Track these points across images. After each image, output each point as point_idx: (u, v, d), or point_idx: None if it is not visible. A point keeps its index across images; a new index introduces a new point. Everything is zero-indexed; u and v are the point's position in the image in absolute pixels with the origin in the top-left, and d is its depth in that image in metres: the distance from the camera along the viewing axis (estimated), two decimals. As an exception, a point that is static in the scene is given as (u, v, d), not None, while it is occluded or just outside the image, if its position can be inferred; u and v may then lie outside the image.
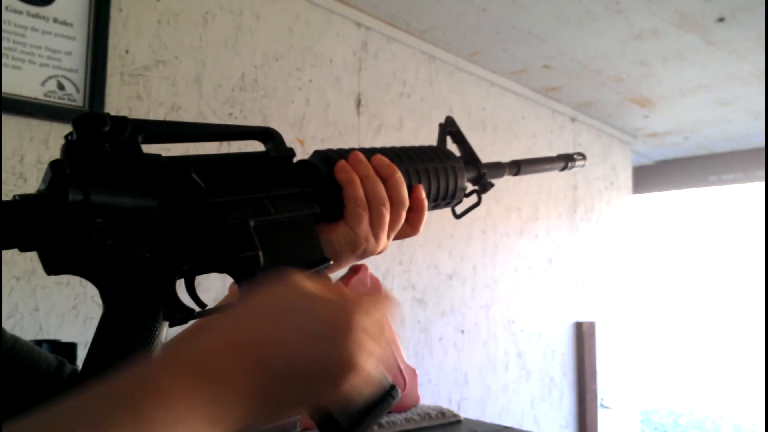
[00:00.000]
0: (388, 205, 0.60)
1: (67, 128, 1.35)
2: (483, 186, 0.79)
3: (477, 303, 2.38)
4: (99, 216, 0.42)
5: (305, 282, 0.40)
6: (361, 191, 0.58)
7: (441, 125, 0.80)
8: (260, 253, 0.49)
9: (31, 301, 1.32)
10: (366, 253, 0.60)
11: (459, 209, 0.77)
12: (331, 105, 1.91)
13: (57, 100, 1.34)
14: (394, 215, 0.61)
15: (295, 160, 0.58)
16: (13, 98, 1.28)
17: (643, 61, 2.36)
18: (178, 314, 0.45)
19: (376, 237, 0.59)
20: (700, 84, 2.59)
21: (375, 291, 1.11)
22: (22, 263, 1.32)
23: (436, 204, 0.71)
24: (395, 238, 0.64)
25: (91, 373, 0.41)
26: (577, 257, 2.93)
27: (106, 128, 0.44)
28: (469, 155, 0.78)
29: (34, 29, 1.32)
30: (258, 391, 0.36)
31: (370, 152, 0.63)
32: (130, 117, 0.46)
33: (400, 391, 0.52)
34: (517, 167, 0.84)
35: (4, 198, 1.26)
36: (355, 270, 1.10)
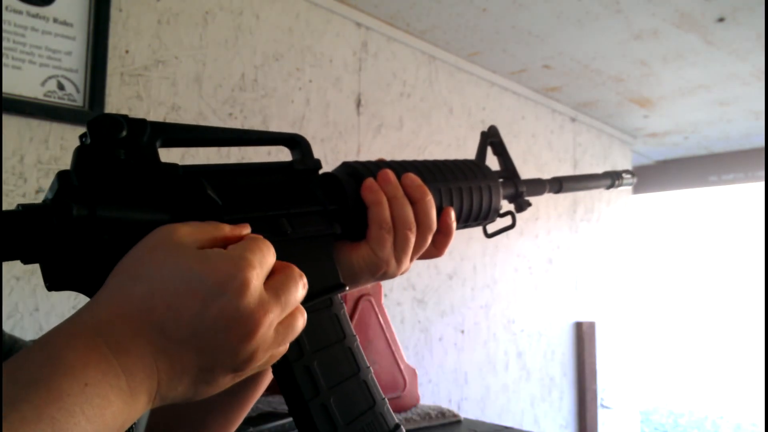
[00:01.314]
0: (414, 229, 0.56)
1: (68, 128, 1.35)
2: (519, 205, 0.74)
3: (477, 303, 2.38)
4: (106, 232, 0.40)
5: (182, 233, 0.39)
6: (387, 213, 0.55)
7: (483, 134, 0.74)
8: None
9: (31, 301, 1.32)
10: (386, 276, 0.57)
11: (491, 228, 0.72)
12: (331, 105, 1.91)
13: (57, 100, 1.34)
14: (419, 239, 0.58)
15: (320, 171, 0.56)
16: (13, 98, 1.28)
17: (643, 61, 2.36)
18: None
19: (399, 261, 0.57)
20: (700, 84, 2.59)
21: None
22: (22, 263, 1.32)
23: (466, 224, 0.66)
24: (418, 259, 0.61)
25: None
26: (577, 257, 2.93)
27: (123, 133, 0.42)
28: (508, 170, 0.74)
29: (34, 29, 1.32)
30: (164, 359, 0.35)
31: (401, 168, 0.59)
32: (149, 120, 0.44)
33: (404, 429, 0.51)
34: (558, 185, 0.79)
35: (5, 198, 1.26)
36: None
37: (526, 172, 2.65)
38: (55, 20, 1.35)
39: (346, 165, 0.59)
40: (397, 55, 2.12)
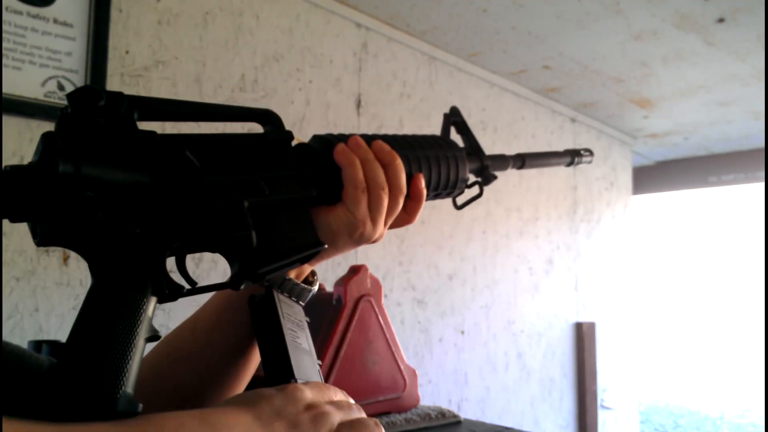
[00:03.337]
0: (386, 189, 0.59)
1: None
2: (486, 178, 0.78)
3: (477, 303, 2.38)
4: (90, 189, 0.41)
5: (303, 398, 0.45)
6: (360, 173, 0.58)
7: (445, 115, 0.78)
8: (253, 233, 0.49)
9: (31, 301, 1.33)
10: (363, 238, 0.59)
11: (460, 200, 0.76)
12: (331, 105, 1.91)
13: (57, 101, 1.34)
14: (392, 202, 0.60)
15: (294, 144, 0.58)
16: (13, 99, 1.28)
17: (643, 62, 2.36)
18: (167, 290, 0.45)
19: (374, 221, 0.59)
20: (700, 84, 2.60)
21: (375, 291, 1.12)
22: (22, 264, 1.32)
23: (436, 193, 0.69)
24: (391, 227, 0.64)
25: (76, 346, 0.41)
26: (577, 258, 2.93)
27: (102, 102, 0.43)
28: (472, 146, 0.77)
29: (34, 30, 1.32)
30: None
31: (370, 138, 0.63)
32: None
33: None
34: (521, 160, 0.83)
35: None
36: (355, 271, 1.10)
37: (526, 172, 2.65)
38: (56, 21, 1.35)
39: (316, 136, 0.62)
40: (397, 56, 2.13)
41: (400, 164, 0.61)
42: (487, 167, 0.77)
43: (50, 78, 1.34)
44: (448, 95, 2.29)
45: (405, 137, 0.67)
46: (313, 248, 0.53)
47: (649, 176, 3.96)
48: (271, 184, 0.52)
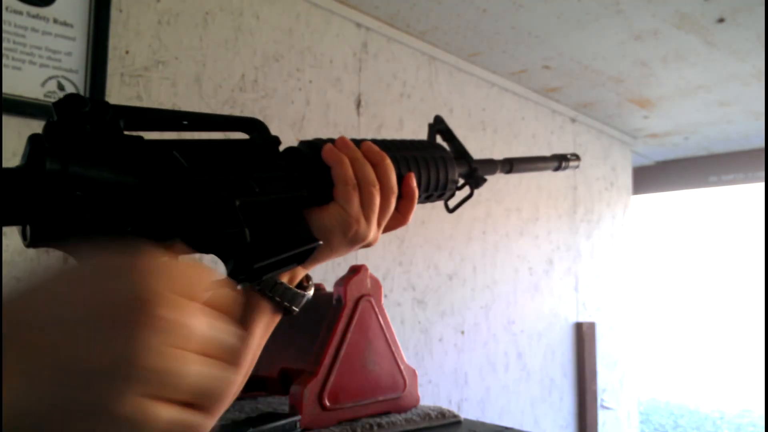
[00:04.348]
0: (378, 186, 0.59)
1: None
2: (476, 180, 0.78)
3: (477, 304, 2.38)
4: (78, 188, 0.41)
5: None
6: (350, 171, 0.58)
7: (430, 125, 0.80)
8: (246, 230, 0.48)
9: (31, 301, 1.32)
10: (357, 237, 0.59)
11: (451, 204, 0.76)
12: (331, 105, 1.91)
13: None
14: (384, 201, 0.60)
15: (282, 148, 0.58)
16: (13, 99, 1.28)
17: (643, 62, 2.36)
18: None
19: (367, 219, 0.58)
20: (700, 84, 2.60)
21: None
22: (23, 264, 1.32)
23: (428, 195, 0.70)
24: (386, 229, 0.64)
25: None
26: (577, 258, 2.93)
27: (86, 109, 0.43)
28: (459, 152, 0.78)
29: (34, 30, 1.32)
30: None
31: (358, 141, 0.63)
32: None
33: None
34: (509, 165, 0.84)
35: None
36: (355, 271, 1.10)
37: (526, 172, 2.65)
38: (56, 21, 1.35)
39: (303, 141, 0.62)
40: (397, 56, 2.13)
41: (389, 163, 0.61)
42: (475, 170, 0.78)
43: (50, 78, 1.34)
44: (448, 95, 2.29)
45: (393, 140, 0.68)
46: (307, 244, 0.53)
47: (649, 176, 3.96)
48: (261, 184, 0.52)
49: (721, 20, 1.99)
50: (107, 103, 0.45)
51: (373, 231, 0.60)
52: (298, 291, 0.58)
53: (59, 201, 0.41)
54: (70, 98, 0.43)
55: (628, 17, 1.99)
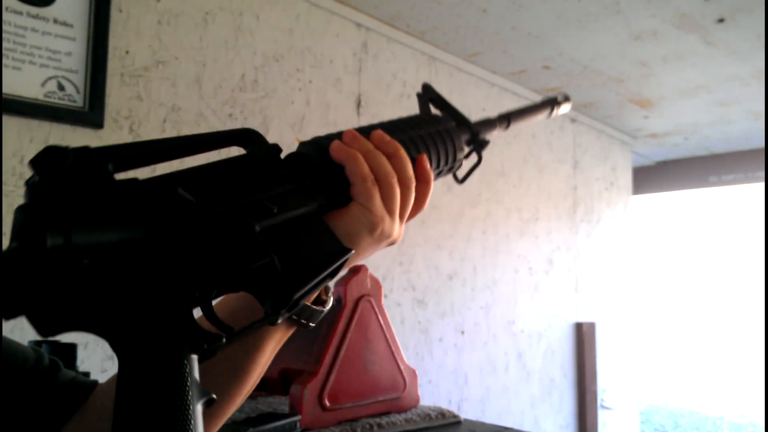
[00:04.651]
0: (396, 177, 0.55)
1: (68, 129, 1.35)
2: (480, 144, 0.75)
3: (477, 304, 2.38)
4: (84, 256, 0.36)
5: None
6: (365, 166, 0.53)
7: (419, 95, 0.76)
8: (274, 258, 0.44)
9: (31, 301, 1.32)
10: (384, 236, 0.55)
11: (460, 174, 0.73)
12: (331, 106, 1.91)
13: (57, 101, 1.34)
14: (404, 192, 0.56)
15: (284, 154, 0.54)
16: (13, 99, 1.28)
17: (643, 62, 2.36)
18: (206, 345, 0.40)
19: (391, 213, 0.55)
20: (700, 85, 2.60)
21: (375, 291, 1.11)
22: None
23: (439, 171, 0.66)
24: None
25: None
26: (577, 258, 2.93)
27: (68, 162, 0.38)
28: (457, 118, 0.75)
29: (34, 30, 1.32)
30: None
31: (365, 130, 0.58)
32: (91, 147, 0.40)
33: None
34: (507, 120, 0.83)
35: (5, 199, 1.27)
36: (355, 271, 1.10)
37: (526, 172, 2.65)
38: (56, 21, 1.35)
39: (303, 143, 0.57)
40: (397, 56, 2.13)
41: (403, 152, 0.57)
42: (477, 133, 0.75)
43: (50, 78, 1.34)
44: (448, 95, 2.28)
45: (393, 122, 0.64)
46: (340, 257, 0.48)
47: (649, 176, 3.96)
48: (275, 202, 0.48)
49: (721, 20, 1.99)
50: (89, 148, 0.40)
51: (397, 226, 0.57)
52: (316, 308, 0.53)
53: (67, 278, 0.36)
54: (49, 153, 0.38)
55: (628, 17, 1.99)
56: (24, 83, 1.30)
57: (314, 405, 0.98)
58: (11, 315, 0.36)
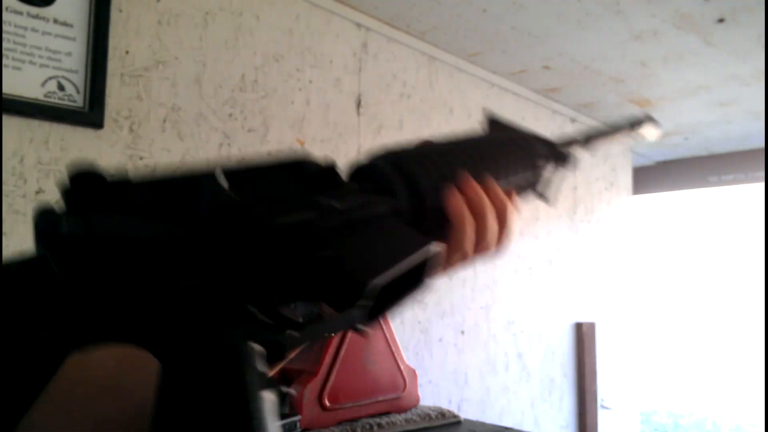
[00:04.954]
0: (497, 237, 0.54)
1: (68, 129, 1.35)
2: (562, 158, 0.69)
3: (477, 304, 2.38)
4: (111, 250, 0.33)
5: None
6: (473, 233, 0.51)
7: (489, 121, 0.71)
8: (339, 253, 0.39)
9: (31, 301, 1.32)
10: (459, 262, 0.54)
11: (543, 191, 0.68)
12: (331, 106, 1.91)
13: (57, 101, 1.34)
14: (494, 245, 0.56)
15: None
16: (13, 99, 1.28)
17: (643, 62, 2.36)
18: (269, 335, 0.35)
19: (474, 254, 0.54)
20: (700, 85, 2.59)
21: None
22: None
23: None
24: None
25: None
26: (577, 258, 2.93)
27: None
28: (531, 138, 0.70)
29: (34, 30, 1.32)
30: None
31: (476, 172, 0.53)
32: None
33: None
34: (586, 140, 0.76)
35: (5, 199, 1.26)
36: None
37: (526, 172, 2.65)
38: (56, 21, 1.35)
39: (385, 157, 0.51)
40: (397, 56, 2.13)
41: (511, 210, 0.55)
42: (555, 146, 0.70)
43: (50, 78, 1.34)
44: (449, 95, 2.29)
45: (491, 155, 0.59)
46: (420, 247, 0.42)
47: (649, 176, 3.96)
48: (338, 200, 0.43)
49: (721, 20, 1.99)
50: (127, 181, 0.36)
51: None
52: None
53: (93, 281, 0.32)
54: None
55: (628, 17, 1.99)
56: (24, 83, 1.30)
57: (314, 405, 0.98)
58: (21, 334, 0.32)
